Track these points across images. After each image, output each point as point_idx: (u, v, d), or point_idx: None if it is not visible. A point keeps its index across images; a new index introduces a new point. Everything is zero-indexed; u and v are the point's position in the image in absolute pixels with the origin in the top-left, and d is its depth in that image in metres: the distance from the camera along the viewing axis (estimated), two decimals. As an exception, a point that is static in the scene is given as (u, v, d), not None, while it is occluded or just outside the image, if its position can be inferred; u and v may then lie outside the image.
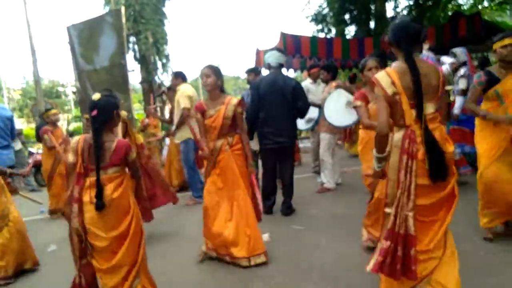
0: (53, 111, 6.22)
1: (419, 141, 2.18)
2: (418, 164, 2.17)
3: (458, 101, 5.13)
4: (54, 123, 6.08)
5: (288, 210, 4.86)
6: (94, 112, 2.51)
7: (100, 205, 2.44)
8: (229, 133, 3.59)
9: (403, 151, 2.19)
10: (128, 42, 13.46)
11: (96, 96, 2.57)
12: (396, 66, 2.27)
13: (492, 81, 3.32)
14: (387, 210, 2.26)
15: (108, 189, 2.50)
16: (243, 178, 3.58)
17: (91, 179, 2.50)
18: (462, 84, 5.17)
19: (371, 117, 3.37)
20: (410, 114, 2.19)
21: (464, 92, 5.03)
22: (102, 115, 2.53)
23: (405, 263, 2.16)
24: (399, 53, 2.28)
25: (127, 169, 2.70)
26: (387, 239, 2.20)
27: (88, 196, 2.48)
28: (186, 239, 4.35)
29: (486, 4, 14.69)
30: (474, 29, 9.63)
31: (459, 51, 5.47)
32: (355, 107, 3.53)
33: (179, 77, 5.94)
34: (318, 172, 6.61)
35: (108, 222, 2.50)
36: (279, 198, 4.99)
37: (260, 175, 5.24)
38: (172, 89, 6.41)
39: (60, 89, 37.91)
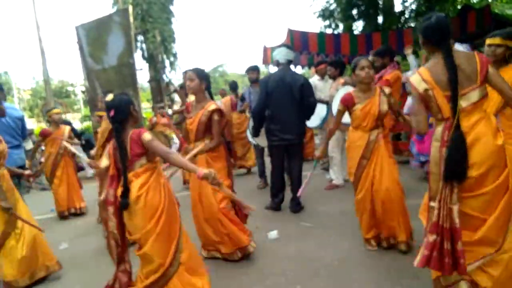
0: (56, 110, 6.19)
1: None
2: None
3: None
4: (56, 123, 6.09)
5: (296, 207, 4.86)
6: (112, 113, 2.54)
7: (124, 203, 2.46)
8: (207, 137, 3.55)
9: (442, 144, 2.20)
10: (136, 41, 13.55)
11: (109, 97, 2.60)
12: (430, 64, 2.28)
13: None
14: (431, 203, 2.27)
15: (135, 186, 2.48)
16: (222, 179, 3.49)
17: (122, 179, 2.51)
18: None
19: (356, 120, 3.40)
20: (447, 107, 2.20)
21: None
22: (120, 113, 2.55)
23: (454, 257, 2.14)
24: (436, 51, 2.28)
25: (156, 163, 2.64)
26: (433, 232, 2.20)
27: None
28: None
29: (496, -3, 14.50)
30: (483, 23, 9.49)
31: (462, 47, 5.40)
32: (337, 110, 3.53)
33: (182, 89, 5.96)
34: (326, 169, 6.59)
35: (137, 220, 2.48)
36: (288, 195, 4.98)
37: (268, 172, 5.25)
38: (184, 88, 6.44)
39: (70, 88, 38.22)
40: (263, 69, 11.57)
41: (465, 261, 2.12)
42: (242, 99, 6.62)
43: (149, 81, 14.88)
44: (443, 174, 2.15)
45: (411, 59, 5.61)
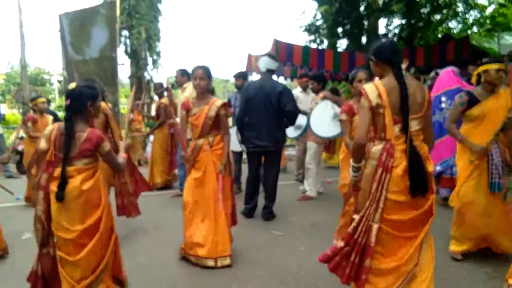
0: (42, 99, 6.09)
1: (397, 156, 2.23)
2: (396, 180, 2.22)
3: None
4: (41, 112, 5.97)
5: (268, 215, 4.88)
6: (67, 102, 2.48)
7: (59, 196, 2.39)
8: (211, 133, 3.62)
9: (379, 164, 2.24)
10: (120, 35, 13.34)
11: (72, 85, 2.55)
12: (384, 82, 2.31)
13: (473, 102, 3.41)
14: (354, 216, 2.33)
15: (76, 180, 2.43)
16: (222, 178, 3.57)
17: (59, 169, 2.43)
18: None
19: (354, 130, 3.43)
20: (391, 129, 2.25)
21: None
22: (75, 105, 2.47)
23: (358, 271, 2.25)
24: (388, 70, 2.33)
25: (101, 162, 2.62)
26: (344, 240, 2.29)
27: (54, 186, 2.43)
28: (166, 236, 4.32)
29: (475, 29, 15.12)
30: (461, 53, 9.87)
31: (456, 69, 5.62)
32: (340, 120, 3.59)
33: (186, 75, 5.85)
34: (301, 180, 6.65)
35: (74, 215, 2.43)
36: (262, 202, 4.99)
37: (244, 179, 5.26)
38: (173, 87, 6.40)
39: (46, 77, 37.23)
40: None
41: (366, 277, 2.23)
42: (229, 103, 6.63)
43: (130, 77, 14.66)
44: (408, 189, 2.21)
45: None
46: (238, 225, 4.40)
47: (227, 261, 3.47)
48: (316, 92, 6.00)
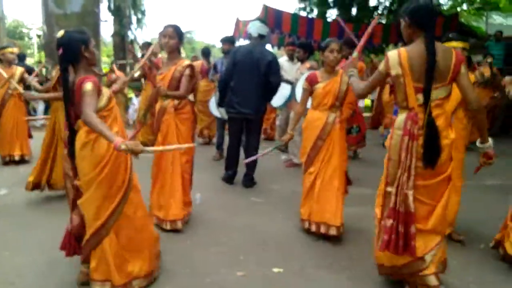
0: (10, 49, 5.79)
1: (421, 124, 2.26)
2: (418, 148, 2.28)
3: None
4: (9, 63, 5.70)
5: (249, 182, 4.92)
6: (60, 51, 2.34)
7: (70, 152, 2.37)
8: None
9: (405, 133, 2.28)
10: (104, -10, 12.81)
11: (60, 33, 2.39)
12: (410, 48, 2.29)
13: None
14: (388, 189, 2.39)
15: (82, 132, 2.35)
16: (184, 142, 3.55)
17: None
18: None
19: (317, 99, 3.43)
20: (413, 98, 2.27)
21: None
22: (69, 52, 2.34)
23: (406, 239, 2.29)
24: (419, 35, 2.29)
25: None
26: (390, 217, 2.32)
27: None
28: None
29: (465, 7, 15.06)
30: (449, 30, 9.86)
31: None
32: (303, 89, 3.57)
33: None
34: (282, 150, 6.69)
35: (82, 167, 2.37)
36: (242, 169, 5.02)
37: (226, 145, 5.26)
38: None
39: (25, 30, 35.75)
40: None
41: (415, 243, 2.28)
42: (215, 68, 6.52)
43: (113, 35, 14.18)
44: (422, 160, 2.27)
45: None
46: (218, 191, 4.45)
47: (179, 225, 3.49)
48: (301, 60, 5.92)
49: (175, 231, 3.48)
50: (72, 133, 2.38)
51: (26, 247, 3.03)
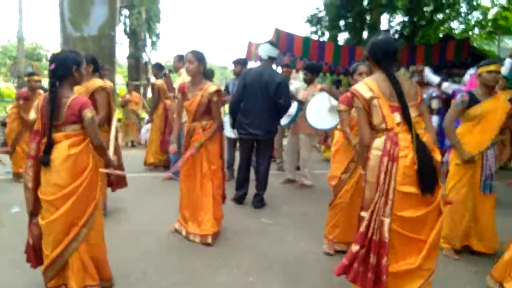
0: (37, 77, 6.08)
1: (403, 145, 2.14)
2: (404, 170, 2.10)
3: (434, 121, 5.31)
4: (34, 89, 5.93)
5: (259, 203, 4.90)
6: (52, 66, 2.46)
7: (44, 160, 2.42)
8: (204, 117, 3.75)
9: (384, 153, 2.15)
10: (120, 14, 13.19)
11: (57, 50, 2.54)
12: (373, 77, 2.33)
13: (473, 102, 3.40)
14: (363, 213, 2.23)
15: (63, 145, 2.44)
16: (214, 160, 3.75)
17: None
18: (435, 104, 5.37)
19: (352, 122, 3.42)
20: (391, 117, 2.21)
21: (437, 112, 5.29)
22: (60, 69, 2.46)
23: (376, 272, 2.09)
24: (378, 68, 2.33)
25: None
26: (357, 243, 2.16)
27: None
28: (153, 219, 4.32)
29: (477, 31, 15.11)
30: (461, 54, 9.86)
31: (427, 71, 5.74)
32: (339, 111, 3.57)
33: (183, 60, 5.83)
34: (282, 170, 6.70)
35: (60, 179, 2.43)
36: (253, 190, 5.01)
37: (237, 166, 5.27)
38: (168, 76, 6.45)
39: (43, 52, 36.74)
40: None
41: (387, 278, 2.07)
42: (226, 89, 6.61)
43: (128, 58, 14.52)
44: (419, 187, 2.10)
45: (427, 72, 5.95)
46: (228, 212, 4.43)
47: (209, 240, 3.63)
48: (309, 82, 5.99)
49: (184, 248, 3.46)
50: (50, 144, 2.44)
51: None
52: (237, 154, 5.50)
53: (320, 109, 4.94)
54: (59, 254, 2.47)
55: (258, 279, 3.04)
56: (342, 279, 2.98)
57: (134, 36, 13.90)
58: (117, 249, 3.23)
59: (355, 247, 2.16)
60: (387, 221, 2.09)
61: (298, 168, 6.50)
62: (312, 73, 5.92)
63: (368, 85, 2.25)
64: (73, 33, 9.46)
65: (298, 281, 3.01)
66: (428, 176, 2.09)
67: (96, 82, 3.87)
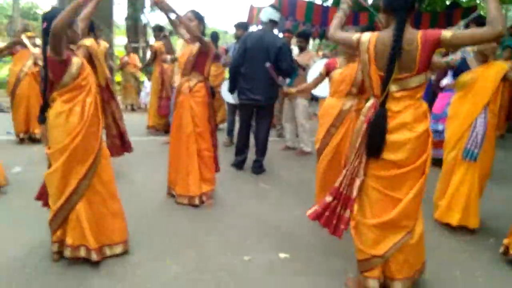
0: (33, 34, 5.88)
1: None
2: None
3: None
4: (33, 44, 5.77)
5: (258, 169, 4.93)
6: (44, 25, 2.46)
7: (40, 119, 2.56)
8: (192, 74, 3.71)
9: (366, 120, 2.25)
10: (118, -27, 12.76)
11: (47, 8, 2.53)
12: (381, 34, 2.19)
13: (464, 68, 3.40)
14: (344, 170, 2.38)
15: (58, 102, 2.50)
16: (199, 123, 3.72)
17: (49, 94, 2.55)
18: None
19: (334, 85, 3.41)
20: (378, 87, 2.19)
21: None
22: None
23: (338, 221, 2.36)
24: (392, 21, 2.16)
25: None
26: (331, 195, 2.36)
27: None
28: (156, 182, 4.36)
29: (484, -1, 14.70)
30: (468, 22, 9.67)
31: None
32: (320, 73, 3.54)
33: (163, 30, 5.79)
34: (282, 136, 6.71)
35: (54, 134, 2.51)
36: (252, 156, 5.03)
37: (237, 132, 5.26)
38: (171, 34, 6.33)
39: (39, 11, 35.88)
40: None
41: (345, 227, 2.35)
42: (227, 52, 6.50)
43: (126, 19, 14.17)
44: (364, 149, 2.24)
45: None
46: (227, 177, 4.48)
47: (196, 201, 3.70)
48: (301, 49, 5.95)
49: (184, 210, 3.52)
50: (45, 104, 2.53)
51: (36, 225, 3.08)
52: (237, 120, 5.48)
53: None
54: (60, 207, 2.53)
55: (257, 242, 3.11)
56: (336, 244, 3.05)
57: (132, -4, 13.52)
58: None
59: (328, 198, 2.37)
60: (358, 181, 2.27)
61: (282, 135, 6.52)
62: (306, 39, 5.91)
63: (370, 43, 2.18)
64: (69, -7, 9.17)
65: (295, 246, 3.07)
66: (370, 143, 2.20)
67: (84, 42, 3.77)
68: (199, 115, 3.71)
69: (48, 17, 2.45)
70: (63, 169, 2.50)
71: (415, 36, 2.10)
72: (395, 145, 2.18)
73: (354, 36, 2.29)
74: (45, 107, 2.54)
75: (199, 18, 3.67)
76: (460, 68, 3.42)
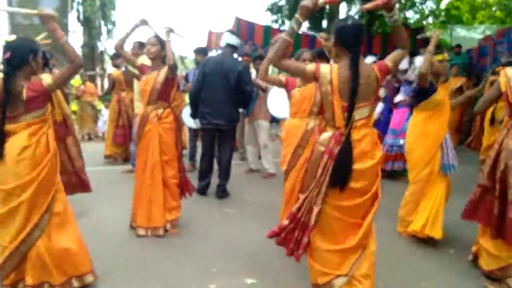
0: None
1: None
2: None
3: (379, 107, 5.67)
4: None
5: (222, 193, 4.87)
6: (7, 55, 2.34)
7: None
8: (159, 102, 3.63)
9: (326, 151, 2.27)
10: (73, 1, 12.60)
11: (10, 37, 2.46)
12: (339, 67, 2.27)
13: (433, 90, 3.50)
14: (300, 195, 2.40)
15: (23, 135, 2.35)
16: (167, 151, 3.65)
17: (7, 127, 2.36)
18: (381, 92, 5.62)
19: (295, 106, 3.43)
20: (340, 117, 2.24)
21: (383, 100, 5.81)
22: (16, 58, 2.36)
23: (296, 245, 2.38)
24: (345, 54, 2.26)
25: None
26: (288, 219, 2.38)
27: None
28: (115, 213, 4.20)
29: (430, 20, 15.66)
30: (416, 42, 10.19)
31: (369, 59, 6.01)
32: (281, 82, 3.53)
33: (143, 47, 5.64)
34: (244, 159, 6.71)
35: (19, 168, 2.34)
36: (215, 180, 4.96)
37: (198, 157, 5.20)
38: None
39: (-11, 41, 34.71)
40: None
41: (303, 252, 2.39)
42: (186, 78, 6.47)
43: (82, 47, 13.92)
44: (326, 180, 2.26)
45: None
46: (191, 202, 4.37)
47: (160, 232, 3.58)
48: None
49: (147, 241, 3.40)
50: (1, 135, 2.35)
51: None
52: (199, 144, 5.43)
53: (279, 98, 4.95)
54: (20, 243, 2.37)
55: (222, 269, 3.03)
56: (302, 266, 3.02)
57: (88, 24, 13.34)
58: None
59: (285, 221, 2.39)
60: (316, 209, 2.29)
61: (245, 158, 6.53)
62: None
63: (332, 76, 2.23)
64: (22, 21, 8.96)
65: (261, 270, 3.02)
66: (339, 174, 2.22)
67: (41, 77, 3.61)
68: (168, 142, 3.64)
69: (13, 47, 2.36)
70: (28, 204, 2.36)
71: (372, 69, 2.26)
72: (359, 173, 2.24)
73: (309, 67, 2.32)
74: (2, 140, 2.35)
75: (162, 44, 3.63)
76: (430, 89, 3.47)
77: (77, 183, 3.93)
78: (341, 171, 2.21)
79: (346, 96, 2.21)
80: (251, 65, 6.99)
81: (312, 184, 2.30)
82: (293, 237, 2.38)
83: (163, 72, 3.59)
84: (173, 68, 3.63)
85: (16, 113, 2.35)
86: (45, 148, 2.43)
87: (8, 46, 2.38)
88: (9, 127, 2.36)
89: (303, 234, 2.35)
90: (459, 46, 10.28)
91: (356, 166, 2.22)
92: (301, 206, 2.34)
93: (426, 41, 10.68)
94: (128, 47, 5.03)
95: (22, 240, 2.37)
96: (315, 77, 2.30)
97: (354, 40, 2.24)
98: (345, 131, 2.21)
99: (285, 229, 2.39)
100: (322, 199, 2.28)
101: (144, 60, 5.25)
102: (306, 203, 2.32)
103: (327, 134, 2.31)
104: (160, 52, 3.62)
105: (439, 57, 3.46)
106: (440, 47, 4.85)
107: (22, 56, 2.37)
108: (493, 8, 17.15)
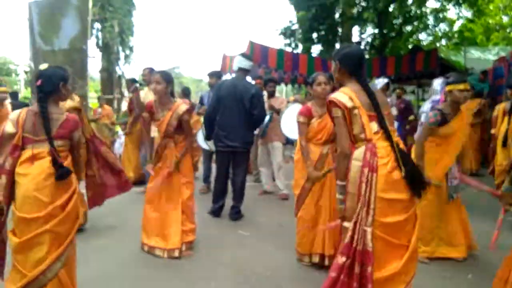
0: (2, 88, 5.87)
1: (381, 154, 2.17)
2: (386, 178, 2.13)
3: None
4: (1, 101, 5.74)
5: (236, 215, 4.86)
6: (39, 82, 2.47)
7: (64, 172, 2.38)
8: (175, 135, 3.76)
9: (364, 164, 2.16)
10: (92, 28, 13.03)
11: (43, 66, 2.56)
12: (349, 87, 2.31)
13: (443, 121, 3.39)
14: (345, 224, 2.22)
15: (47, 161, 2.40)
16: (187, 173, 3.78)
17: (33, 151, 2.40)
18: (394, 111, 5.58)
19: (311, 133, 3.43)
20: (369, 127, 2.23)
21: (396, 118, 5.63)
22: (47, 85, 2.47)
23: (362, 282, 2.09)
24: (350, 78, 2.35)
25: None
26: (343, 254, 2.15)
27: (23, 169, 2.38)
28: (129, 233, 4.22)
29: (444, 42, 15.67)
30: (430, 64, 10.19)
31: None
32: (298, 122, 3.51)
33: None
34: (258, 180, 6.71)
35: (44, 194, 2.35)
36: (229, 202, 4.97)
37: (213, 178, 5.23)
38: (141, 85, 6.38)
39: (12, 67, 35.84)
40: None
41: (372, 286, 2.07)
42: (201, 101, 6.59)
43: (101, 71, 14.32)
44: (410, 192, 2.16)
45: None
46: (205, 224, 4.39)
47: (176, 254, 3.58)
48: (271, 94, 6.15)
49: (161, 262, 3.40)
50: (55, 157, 2.40)
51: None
52: (213, 166, 5.46)
53: (292, 119, 4.98)
54: (41, 274, 2.32)
55: (236, 292, 3.00)
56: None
57: (107, 49, 13.76)
58: (93, 262, 3.19)
59: (341, 259, 2.15)
60: (369, 230, 2.10)
61: (260, 180, 6.54)
62: (275, 84, 6.19)
63: (348, 94, 2.25)
64: (43, 47, 9.25)
65: (276, 293, 2.98)
66: (416, 180, 2.17)
67: (67, 103, 3.74)
68: (186, 166, 3.77)
69: (44, 75, 2.48)
70: (52, 233, 2.35)
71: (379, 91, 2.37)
72: (397, 183, 2.17)
73: (336, 114, 2.28)
74: (56, 160, 2.38)
75: (167, 81, 3.69)
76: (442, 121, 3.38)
77: (125, 182, 4.00)
78: (415, 173, 2.18)
79: (368, 107, 2.25)
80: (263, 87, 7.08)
81: (358, 204, 2.14)
82: (354, 274, 2.10)
83: (177, 114, 3.66)
84: (191, 110, 3.75)
85: (44, 137, 2.42)
86: (69, 178, 2.46)
87: (40, 74, 2.49)
88: (38, 150, 2.41)
89: (366, 265, 2.08)
90: (484, 72, 9.86)
91: (394, 175, 2.18)
92: (353, 234, 2.13)
93: (439, 63, 10.67)
94: (139, 72, 5.16)
95: (44, 270, 2.33)
96: (347, 112, 2.24)
97: (357, 67, 2.35)
98: (380, 138, 2.21)
99: (343, 269, 2.13)
100: (372, 217, 2.11)
101: (148, 94, 5.44)
102: (358, 228, 2.12)
103: (359, 150, 2.23)
104: (166, 88, 3.69)
105: (460, 86, 3.33)
106: (465, 74, 4.80)
107: (53, 84, 2.48)
108: (507, 30, 17.12)
